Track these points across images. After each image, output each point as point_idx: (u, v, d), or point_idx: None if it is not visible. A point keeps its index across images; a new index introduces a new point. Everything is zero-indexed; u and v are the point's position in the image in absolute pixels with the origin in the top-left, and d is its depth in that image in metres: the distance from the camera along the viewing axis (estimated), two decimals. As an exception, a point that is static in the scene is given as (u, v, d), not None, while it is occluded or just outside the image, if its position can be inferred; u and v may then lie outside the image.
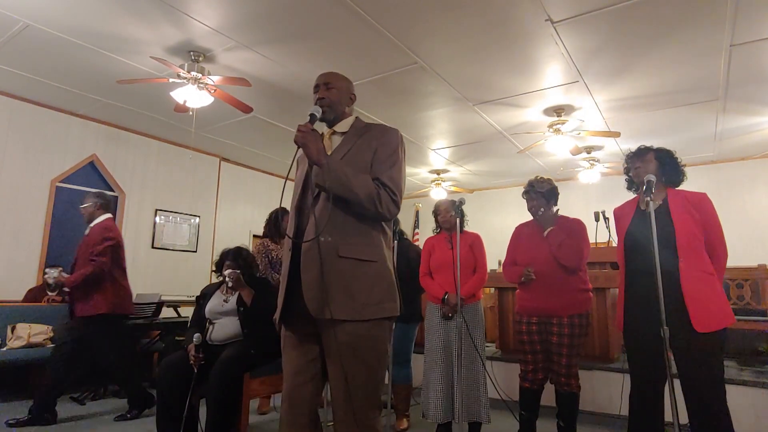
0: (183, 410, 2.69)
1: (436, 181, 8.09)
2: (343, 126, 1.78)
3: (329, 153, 1.71)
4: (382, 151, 1.67)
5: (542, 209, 2.82)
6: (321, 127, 1.74)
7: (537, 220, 2.88)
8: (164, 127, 6.06)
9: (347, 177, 1.55)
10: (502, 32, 3.78)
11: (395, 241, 3.05)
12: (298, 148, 1.61)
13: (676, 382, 2.02)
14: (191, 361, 2.72)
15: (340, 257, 1.56)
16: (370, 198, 1.56)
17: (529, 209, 2.88)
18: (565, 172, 7.63)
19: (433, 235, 3.31)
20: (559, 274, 2.70)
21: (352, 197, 1.55)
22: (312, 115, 1.69)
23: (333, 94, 1.77)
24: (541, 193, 2.83)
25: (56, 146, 5.48)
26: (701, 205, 2.18)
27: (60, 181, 5.52)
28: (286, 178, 1.77)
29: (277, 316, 1.68)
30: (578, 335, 2.66)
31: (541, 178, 2.91)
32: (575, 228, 2.79)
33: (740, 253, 6.52)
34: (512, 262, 2.92)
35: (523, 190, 2.93)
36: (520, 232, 2.98)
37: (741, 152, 6.77)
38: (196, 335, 2.73)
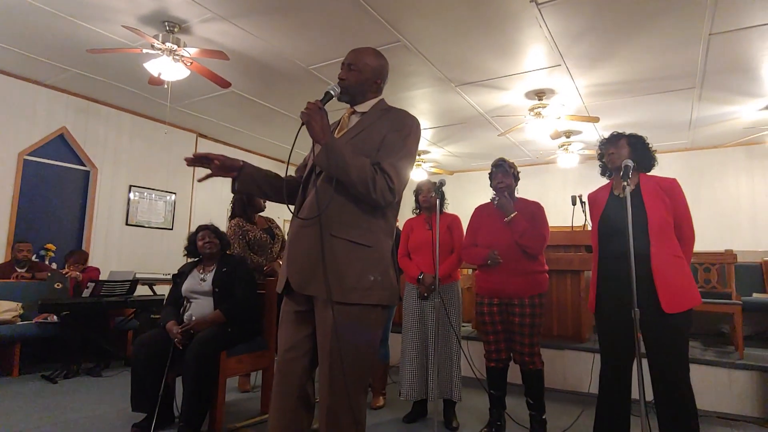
0: (158, 388, 2.68)
1: (417, 162, 8.09)
2: (364, 107, 1.74)
3: (344, 132, 1.70)
4: (393, 137, 1.64)
5: (505, 192, 2.85)
6: (334, 105, 1.65)
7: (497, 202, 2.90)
8: (138, 99, 5.86)
9: (344, 158, 1.53)
10: (487, 12, 3.74)
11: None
12: (302, 125, 1.57)
13: (644, 362, 2.09)
14: (176, 340, 2.70)
15: (332, 236, 1.55)
16: (363, 181, 1.53)
17: (496, 185, 2.86)
18: (544, 156, 7.71)
19: (413, 216, 3.32)
20: (520, 257, 2.74)
21: (346, 178, 1.53)
22: (327, 93, 1.63)
23: (353, 76, 1.71)
24: (513, 170, 2.87)
25: (23, 117, 5.25)
26: (672, 190, 2.25)
27: (28, 154, 5.31)
28: (288, 160, 1.68)
29: (279, 288, 1.68)
30: (539, 315, 2.74)
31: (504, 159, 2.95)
32: (536, 213, 2.82)
33: (709, 239, 6.76)
34: (472, 243, 2.94)
35: (492, 164, 2.91)
36: (480, 213, 3.00)
37: (714, 140, 6.93)
38: (188, 314, 2.79)
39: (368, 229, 1.61)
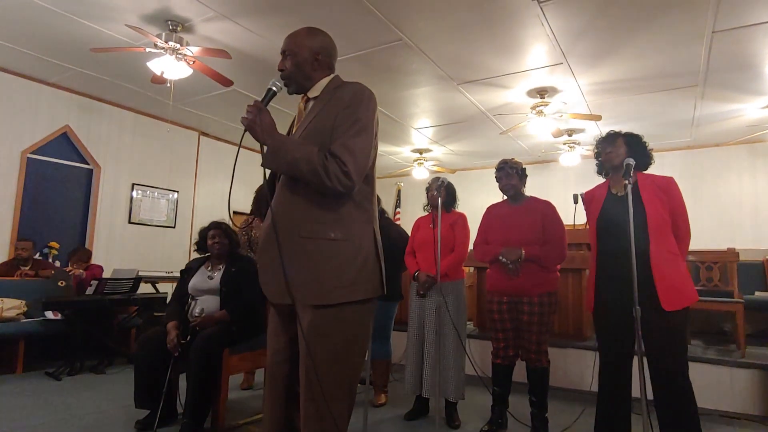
0: (161, 386, 2.69)
1: (419, 161, 8.08)
2: (315, 90, 1.64)
3: (300, 123, 1.65)
4: (343, 116, 1.51)
5: (515, 188, 2.88)
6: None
7: (509, 200, 2.94)
8: (140, 98, 5.87)
9: (288, 153, 1.46)
10: (489, 10, 3.73)
11: (376, 220, 3.06)
12: (245, 131, 1.52)
13: (644, 360, 2.10)
14: (169, 346, 2.70)
15: (303, 238, 1.48)
16: (313, 171, 1.43)
17: (503, 187, 2.92)
18: (546, 155, 7.69)
19: (425, 213, 3.34)
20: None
21: (298, 173, 1.46)
22: (268, 90, 1.56)
23: (289, 62, 1.62)
24: (515, 170, 2.88)
25: (26, 116, 5.26)
26: (669, 188, 2.26)
27: (31, 153, 5.33)
28: (236, 158, 1.71)
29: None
30: (547, 313, 2.74)
31: (512, 159, 2.98)
32: (548, 217, 2.80)
33: (711, 237, 6.75)
34: (483, 241, 2.95)
35: (496, 168, 2.96)
36: (491, 211, 3.02)
37: (716, 138, 6.91)
38: (200, 308, 2.81)
39: (339, 221, 1.51)
